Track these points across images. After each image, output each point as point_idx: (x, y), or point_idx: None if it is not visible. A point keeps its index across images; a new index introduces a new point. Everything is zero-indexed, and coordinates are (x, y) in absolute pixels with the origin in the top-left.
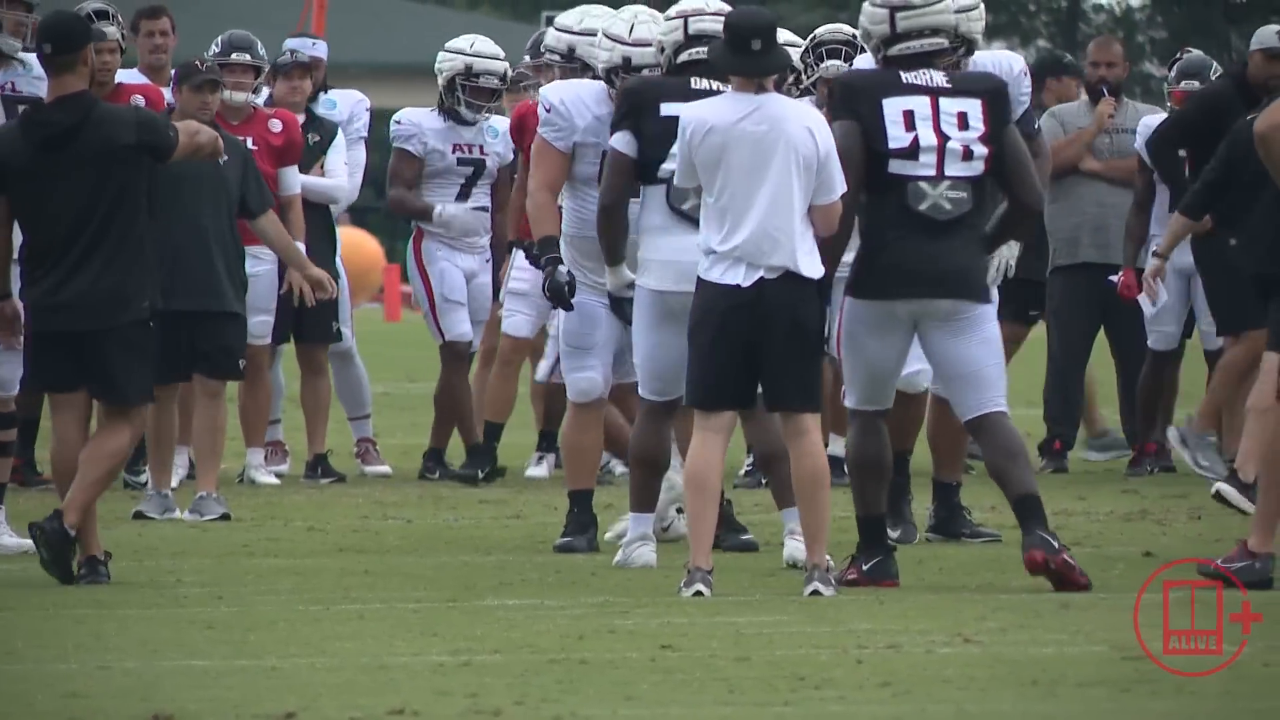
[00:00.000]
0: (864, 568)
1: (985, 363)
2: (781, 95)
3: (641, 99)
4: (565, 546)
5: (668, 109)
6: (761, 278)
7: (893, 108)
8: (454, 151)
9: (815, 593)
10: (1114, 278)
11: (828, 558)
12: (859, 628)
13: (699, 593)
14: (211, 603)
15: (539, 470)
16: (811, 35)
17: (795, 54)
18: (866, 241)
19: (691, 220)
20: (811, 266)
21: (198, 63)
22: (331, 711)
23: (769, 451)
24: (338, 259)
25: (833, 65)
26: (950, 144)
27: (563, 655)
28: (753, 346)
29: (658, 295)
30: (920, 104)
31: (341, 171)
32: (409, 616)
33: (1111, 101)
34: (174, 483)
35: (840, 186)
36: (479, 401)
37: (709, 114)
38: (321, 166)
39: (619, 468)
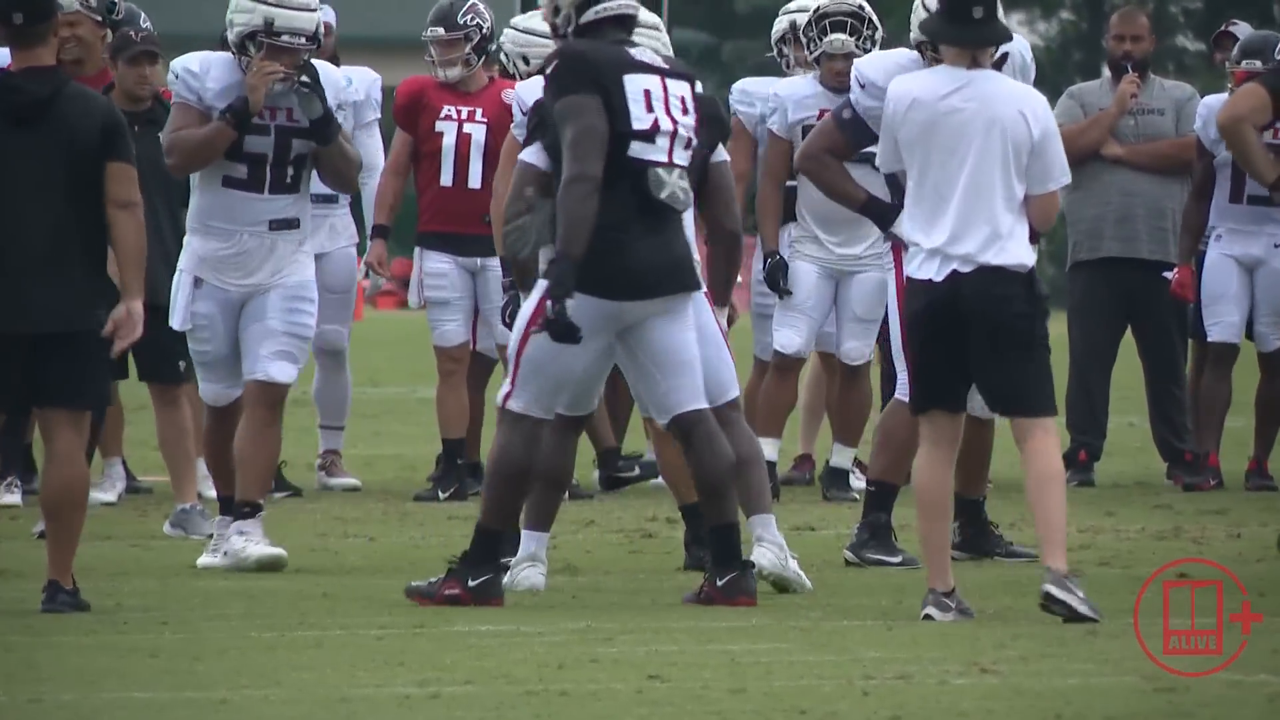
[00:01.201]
0: (470, 584)
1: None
2: (998, 73)
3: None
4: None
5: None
6: (954, 271)
7: (634, 86)
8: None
9: (1048, 594)
10: (1169, 274)
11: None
12: (866, 656)
13: (929, 616)
14: (155, 628)
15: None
16: (815, 7)
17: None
18: (603, 233)
19: None
20: (1017, 258)
21: (132, 34)
22: None
23: (738, 458)
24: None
25: (838, 39)
26: (679, 129)
27: (541, 686)
28: (960, 345)
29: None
30: (655, 84)
31: None
32: (372, 644)
33: (1135, 79)
34: (113, 497)
35: (1063, 175)
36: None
37: (915, 88)
38: None
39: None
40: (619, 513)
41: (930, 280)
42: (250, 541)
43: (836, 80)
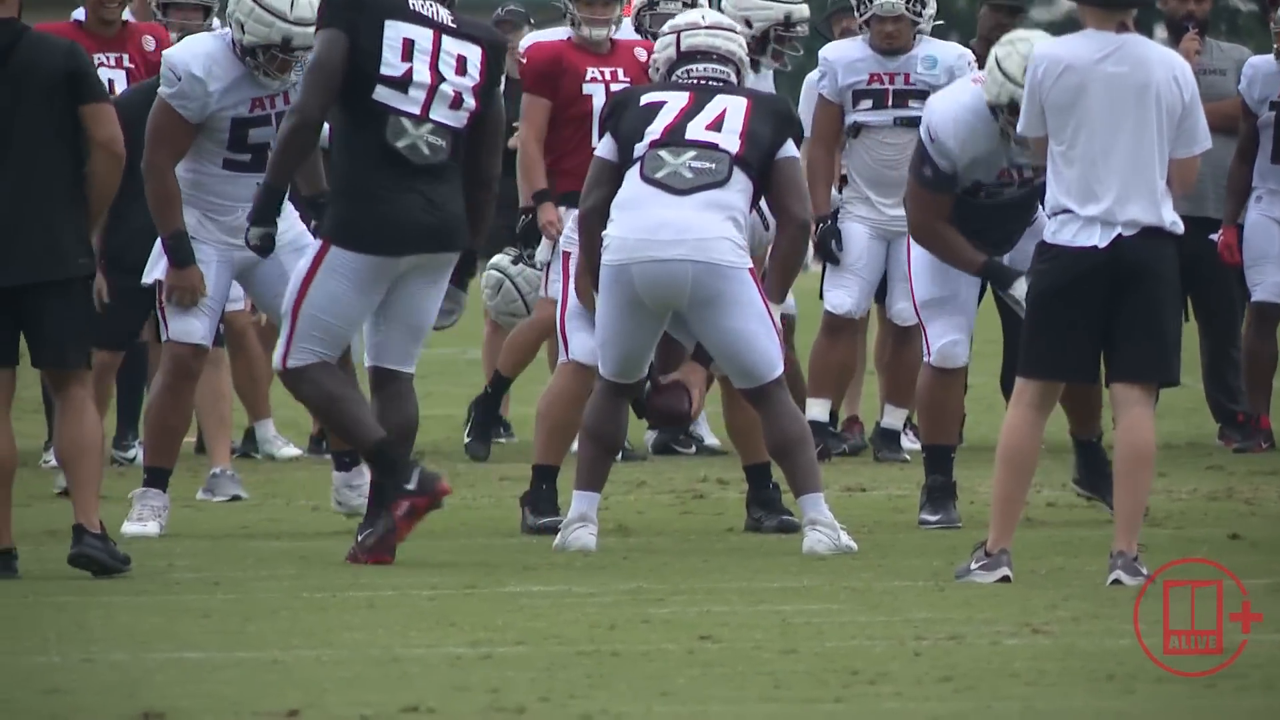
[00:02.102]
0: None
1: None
2: (1144, 37)
3: (625, 99)
4: (549, 527)
5: (647, 98)
6: (1119, 235)
7: (394, 32)
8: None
9: (1117, 582)
10: (1214, 236)
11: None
12: (917, 617)
13: (1006, 578)
14: (207, 589)
15: None
16: None
17: None
18: (349, 182)
19: (666, 188)
20: (1174, 220)
21: None
22: (339, 709)
23: (784, 439)
24: None
25: (888, 1)
26: (443, 86)
27: (592, 647)
28: (1106, 312)
29: (622, 269)
30: (423, 36)
31: None
32: (423, 604)
33: (1196, 38)
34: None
35: (1205, 139)
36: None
37: (1063, 52)
38: None
39: (708, 437)
40: (670, 474)
41: (1094, 247)
42: (360, 495)
43: (886, 42)
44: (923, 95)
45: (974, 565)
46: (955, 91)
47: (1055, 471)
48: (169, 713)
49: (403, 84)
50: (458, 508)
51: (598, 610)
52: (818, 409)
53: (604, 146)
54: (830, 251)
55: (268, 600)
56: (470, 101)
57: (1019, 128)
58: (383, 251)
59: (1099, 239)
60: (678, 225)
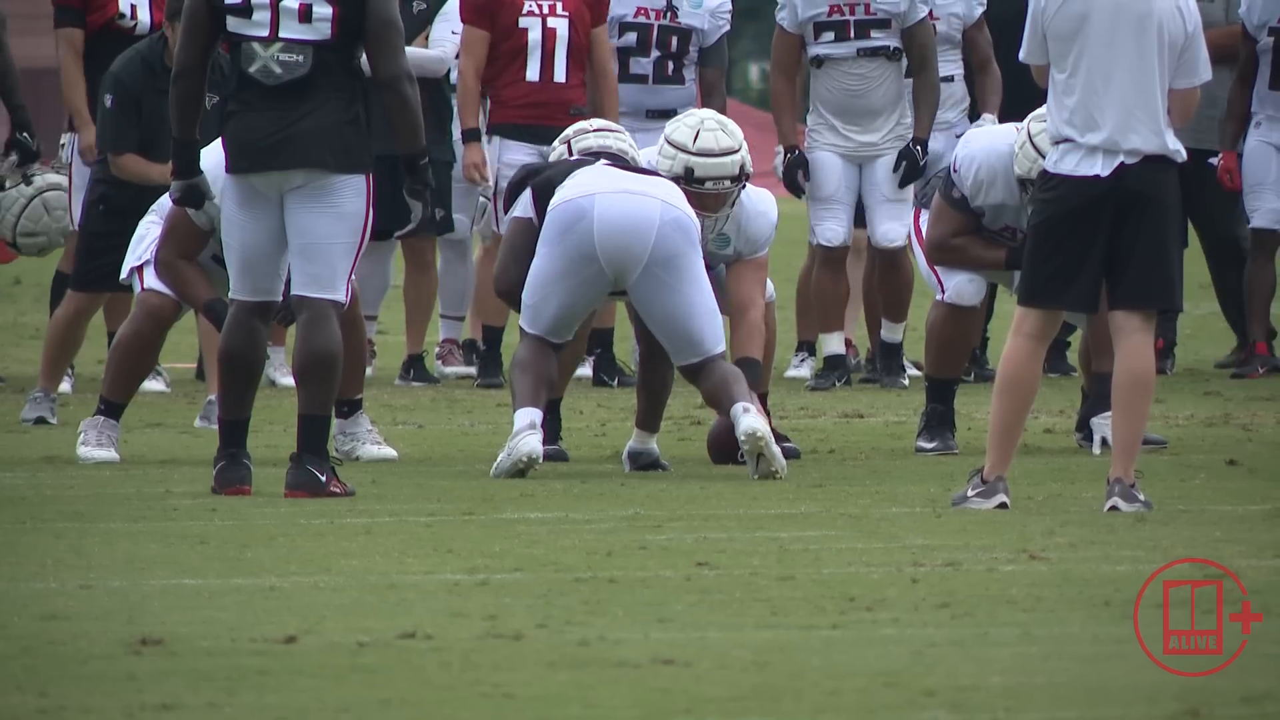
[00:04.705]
0: (214, 470)
1: (331, 234)
2: None
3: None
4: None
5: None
6: (1121, 163)
7: None
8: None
9: (1114, 509)
10: (1213, 160)
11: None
12: (915, 543)
13: (1003, 504)
14: (204, 516)
15: (584, 369)
16: None
17: None
18: (227, 109)
19: (629, 168)
20: (1176, 146)
21: None
22: (336, 635)
23: (721, 383)
24: (454, 142)
25: None
26: (284, 3)
27: (589, 574)
28: (1108, 241)
29: (582, 206)
30: None
31: (450, 42)
32: (421, 531)
33: None
34: (163, 385)
35: (1206, 70)
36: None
37: None
38: (426, 38)
39: None
40: (668, 401)
41: (1096, 176)
42: (358, 442)
43: None
44: (884, 24)
45: (971, 492)
46: (994, 136)
47: (1053, 398)
48: (166, 638)
49: (245, 10)
50: (455, 434)
51: (595, 537)
52: (834, 342)
53: (523, 207)
54: (795, 183)
55: (265, 527)
56: (323, 9)
57: (1020, 55)
58: (232, 169)
59: (1101, 168)
60: (648, 181)
